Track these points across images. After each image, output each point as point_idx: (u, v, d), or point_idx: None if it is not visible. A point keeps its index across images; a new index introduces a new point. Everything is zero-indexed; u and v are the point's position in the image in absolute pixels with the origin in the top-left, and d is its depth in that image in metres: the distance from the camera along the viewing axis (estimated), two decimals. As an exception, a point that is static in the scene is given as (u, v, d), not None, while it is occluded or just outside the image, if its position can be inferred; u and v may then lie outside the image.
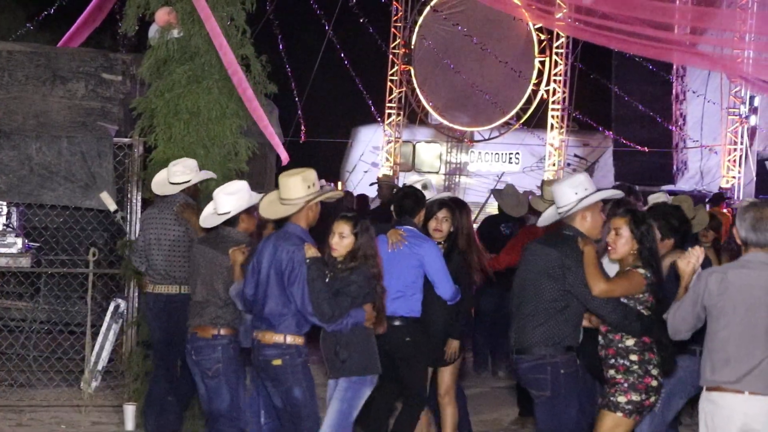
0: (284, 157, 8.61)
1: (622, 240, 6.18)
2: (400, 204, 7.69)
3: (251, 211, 7.07)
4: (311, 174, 6.54)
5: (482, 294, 10.59)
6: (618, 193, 6.83)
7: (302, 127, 25.40)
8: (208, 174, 7.97)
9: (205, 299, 6.99)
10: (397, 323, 7.26)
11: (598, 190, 6.52)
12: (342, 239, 6.47)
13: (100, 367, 9.14)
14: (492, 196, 12.90)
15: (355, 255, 6.47)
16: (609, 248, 6.25)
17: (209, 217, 7.10)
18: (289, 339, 6.44)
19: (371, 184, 15.63)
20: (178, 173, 7.82)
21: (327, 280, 6.39)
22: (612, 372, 6.19)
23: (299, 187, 6.46)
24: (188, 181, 7.82)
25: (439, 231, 7.70)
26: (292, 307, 6.41)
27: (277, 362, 6.44)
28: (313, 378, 6.58)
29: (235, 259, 6.82)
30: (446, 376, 7.80)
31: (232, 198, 6.97)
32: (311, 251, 6.39)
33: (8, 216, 9.05)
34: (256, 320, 6.59)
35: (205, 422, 7.33)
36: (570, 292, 6.18)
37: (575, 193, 6.29)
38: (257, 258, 6.56)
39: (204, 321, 6.96)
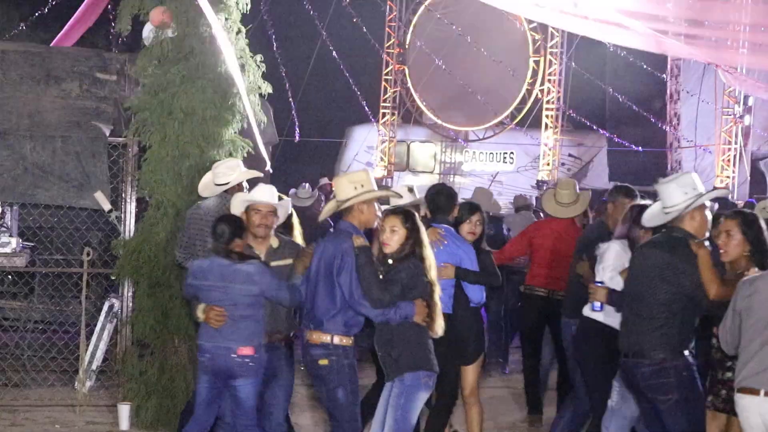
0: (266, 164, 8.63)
1: (734, 242, 6.15)
2: (434, 202, 7.72)
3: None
4: (359, 175, 6.62)
5: None
6: (726, 192, 6.77)
7: (296, 127, 25.39)
8: (250, 173, 7.93)
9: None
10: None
11: (709, 190, 6.48)
12: (393, 234, 6.47)
13: (94, 366, 9.15)
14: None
15: (405, 249, 6.46)
16: (721, 251, 6.22)
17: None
18: (336, 339, 6.46)
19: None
20: (221, 175, 7.82)
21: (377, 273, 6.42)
22: (729, 374, 6.24)
23: (346, 188, 6.53)
24: (228, 183, 7.79)
25: (473, 234, 7.75)
26: (339, 304, 6.42)
27: (324, 362, 6.46)
28: (358, 380, 6.59)
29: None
30: (470, 374, 7.81)
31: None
32: (359, 241, 6.42)
33: (2, 215, 9.05)
34: (305, 319, 6.63)
35: None
36: (685, 295, 6.14)
37: (684, 193, 6.24)
38: (313, 259, 6.63)
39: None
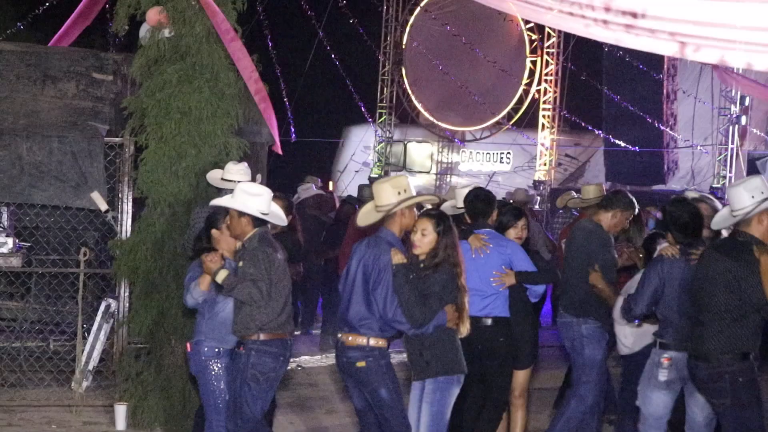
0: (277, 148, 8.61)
1: None
2: (473, 207, 7.74)
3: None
4: (401, 181, 6.64)
5: None
6: None
7: (291, 127, 25.37)
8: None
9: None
10: (489, 323, 7.37)
11: None
12: (424, 237, 6.52)
13: (90, 366, 9.14)
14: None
15: (437, 254, 6.50)
16: None
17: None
18: (372, 342, 6.50)
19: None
20: (234, 172, 7.85)
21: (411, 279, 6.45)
22: None
23: (389, 193, 6.54)
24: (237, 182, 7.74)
25: (519, 239, 7.79)
26: (375, 310, 6.45)
27: (361, 364, 6.49)
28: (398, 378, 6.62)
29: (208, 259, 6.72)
30: (522, 377, 7.83)
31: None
32: (398, 257, 6.43)
33: (-1, 216, 9.04)
34: (340, 322, 6.66)
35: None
36: (746, 301, 6.17)
37: (752, 197, 6.25)
38: (350, 261, 6.65)
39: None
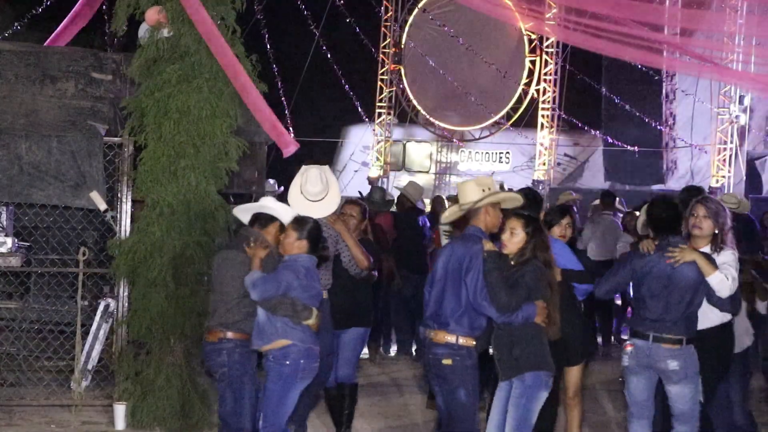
0: (289, 149, 8.54)
1: None
2: (521, 206, 7.77)
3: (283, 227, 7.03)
4: (486, 180, 6.77)
5: (406, 280, 12.12)
6: None
7: (290, 128, 25.37)
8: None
9: (216, 301, 6.99)
10: None
11: None
12: (513, 236, 6.61)
13: (90, 366, 9.13)
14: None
15: (525, 253, 6.58)
16: None
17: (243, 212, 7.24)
18: (461, 340, 6.54)
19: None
20: (313, 193, 7.79)
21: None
22: None
23: (474, 191, 6.64)
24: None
25: (563, 237, 7.85)
26: (464, 304, 6.49)
27: (447, 362, 6.53)
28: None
29: (255, 253, 6.77)
30: (574, 375, 7.84)
31: (280, 206, 7.05)
32: (489, 245, 6.54)
33: (-2, 215, 9.03)
34: (427, 319, 6.69)
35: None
36: None
37: None
38: (436, 262, 6.71)
39: (212, 324, 6.96)
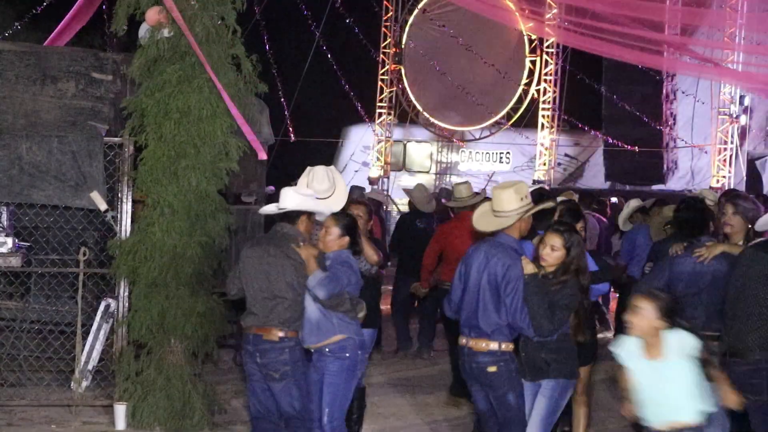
0: (262, 155, 8.54)
1: None
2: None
3: (312, 217, 7.09)
4: (524, 187, 6.71)
5: (402, 282, 12.33)
6: None
7: (289, 127, 25.38)
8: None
9: (269, 299, 6.91)
10: None
11: None
12: (553, 251, 6.62)
13: (90, 366, 9.13)
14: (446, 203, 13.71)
15: (568, 268, 6.59)
16: None
17: (269, 208, 7.23)
18: (503, 346, 6.56)
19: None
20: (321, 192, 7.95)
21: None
22: None
23: (513, 199, 6.59)
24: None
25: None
26: (504, 318, 6.51)
27: (493, 369, 6.55)
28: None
29: (308, 253, 6.79)
30: (583, 374, 7.84)
31: (298, 197, 7.00)
32: (529, 267, 6.52)
33: (-2, 215, 9.03)
34: (465, 327, 6.70)
35: (251, 423, 7.24)
36: None
37: None
38: (465, 264, 6.71)
39: (270, 322, 6.89)
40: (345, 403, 6.89)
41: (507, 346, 6.57)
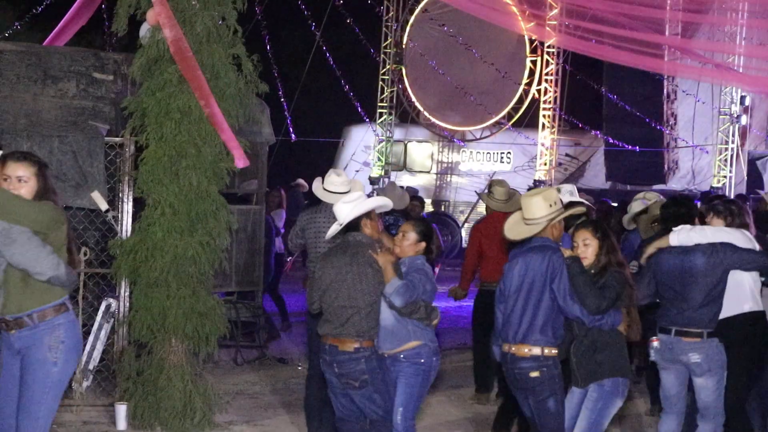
0: (241, 162, 8.48)
1: None
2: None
3: (372, 215, 7.03)
4: (552, 193, 6.72)
5: None
6: None
7: (290, 127, 25.39)
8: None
9: (345, 308, 6.83)
10: None
11: None
12: (587, 246, 6.64)
13: (91, 366, 9.13)
14: (480, 197, 13.48)
15: (601, 258, 6.61)
16: None
17: (333, 229, 7.10)
18: (546, 351, 6.54)
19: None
20: (336, 183, 8.09)
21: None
22: None
23: (542, 206, 6.59)
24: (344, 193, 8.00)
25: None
26: (546, 315, 6.50)
27: (535, 374, 6.53)
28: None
29: (386, 260, 6.77)
30: None
31: (347, 206, 6.95)
32: (569, 251, 6.58)
33: (-1, 215, 9.00)
34: (504, 333, 6.67)
35: (336, 424, 7.18)
36: None
37: None
38: (503, 281, 6.69)
39: (346, 333, 6.82)
40: (418, 405, 6.93)
41: (550, 351, 6.53)
